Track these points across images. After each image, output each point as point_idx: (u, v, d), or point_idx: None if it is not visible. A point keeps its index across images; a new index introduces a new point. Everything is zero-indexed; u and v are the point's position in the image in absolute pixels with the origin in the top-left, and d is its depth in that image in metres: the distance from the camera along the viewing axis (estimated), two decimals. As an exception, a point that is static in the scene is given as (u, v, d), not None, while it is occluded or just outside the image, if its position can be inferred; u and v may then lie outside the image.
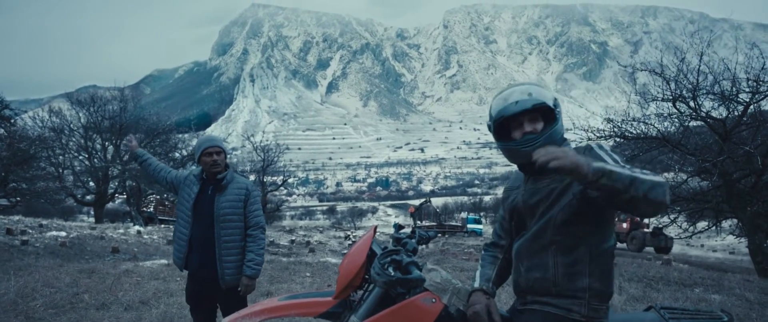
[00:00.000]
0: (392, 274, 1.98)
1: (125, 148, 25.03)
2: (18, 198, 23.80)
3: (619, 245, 27.63)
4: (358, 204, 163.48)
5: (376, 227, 2.47)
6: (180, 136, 29.97)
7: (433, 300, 2.05)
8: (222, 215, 3.73)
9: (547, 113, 2.09)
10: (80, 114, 27.07)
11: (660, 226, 17.28)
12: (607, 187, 1.68)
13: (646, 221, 26.83)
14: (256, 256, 3.79)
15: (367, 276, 2.21)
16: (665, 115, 12.55)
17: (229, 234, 3.75)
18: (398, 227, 2.72)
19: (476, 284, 2.22)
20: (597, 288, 2.00)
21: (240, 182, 3.86)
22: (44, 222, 18.63)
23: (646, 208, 1.73)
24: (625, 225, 29.12)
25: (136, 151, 4.27)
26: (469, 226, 48.18)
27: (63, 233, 15.08)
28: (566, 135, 2.23)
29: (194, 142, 30.49)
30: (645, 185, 1.68)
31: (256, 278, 3.84)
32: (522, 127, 2.09)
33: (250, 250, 3.79)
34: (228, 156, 4.00)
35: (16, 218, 19.51)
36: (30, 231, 14.76)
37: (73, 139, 27.11)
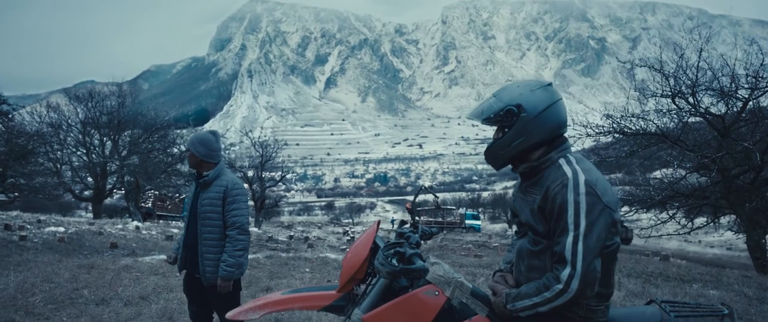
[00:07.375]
0: (396, 264, 1.98)
1: None
2: (16, 194, 23.80)
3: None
4: (357, 200, 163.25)
5: (379, 222, 2.47)
6: (178, 131, 29.85)
7: (436, 293, 2.06)
8: (202, 212, 3.74)
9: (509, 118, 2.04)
10: (78, 109, 26.98)
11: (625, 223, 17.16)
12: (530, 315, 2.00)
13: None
14: (229, 257, 3.68)
15: (370, 270, 2.21)
16: (664, 111, 12.54)
17: (209, 232, 3.73)
18: (401, 222, 2.72)
19: (500, 266, 2.40)
20: (596, 290, 1.99)
21: (224, 179, 3.79)
22: (42, 218, 18.61)
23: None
24: None
25: None
26: (468, 222, 48.22)
27: (61, 229, 15.06)
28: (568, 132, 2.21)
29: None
30: (551, 303, 1.93)
31: (231, 280, 3.72)
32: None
33: (225, 251, 3.71)
34: (223, 151, 4.07)
35: (15, 213, 19.53)
36: (28, 226, 14.76)
37: (71, 134, 27.04)
